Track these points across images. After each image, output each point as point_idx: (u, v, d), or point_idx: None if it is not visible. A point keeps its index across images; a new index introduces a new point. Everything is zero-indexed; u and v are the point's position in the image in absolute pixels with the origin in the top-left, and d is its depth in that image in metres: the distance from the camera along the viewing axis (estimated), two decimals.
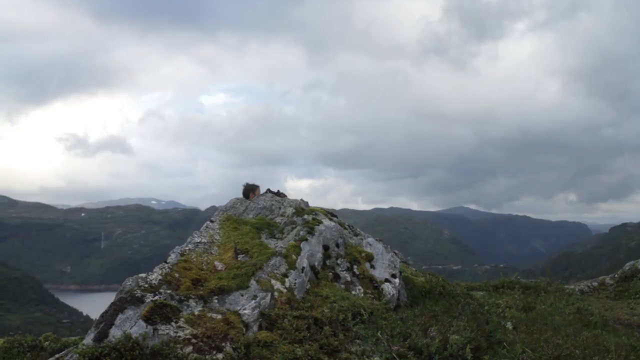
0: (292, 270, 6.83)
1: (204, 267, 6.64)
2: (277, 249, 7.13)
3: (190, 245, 6.91)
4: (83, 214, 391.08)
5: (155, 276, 6.19)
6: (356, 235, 8.88)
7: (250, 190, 11.51)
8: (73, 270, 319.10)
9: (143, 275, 6.23)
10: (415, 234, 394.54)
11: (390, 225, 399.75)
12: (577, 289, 16.80)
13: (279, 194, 8.82)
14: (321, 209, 8.92)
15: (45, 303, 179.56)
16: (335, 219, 8.76)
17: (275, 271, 6.73)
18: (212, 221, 7.60)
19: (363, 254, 8.14)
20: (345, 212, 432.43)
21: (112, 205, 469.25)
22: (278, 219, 8.10)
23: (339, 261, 7.75)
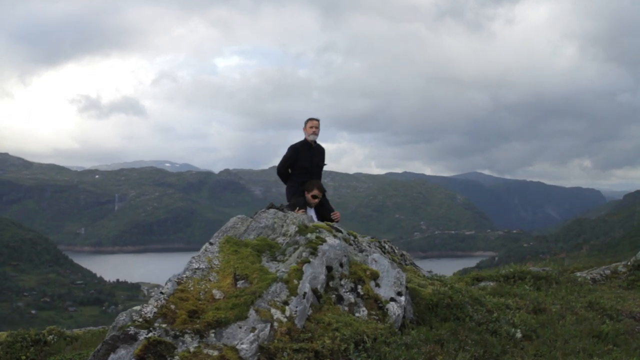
0: (293, 297, 6.56)
1: (202, 296, 6.37)
2: (278, 273, 6.84)
3: (187, 273, 6.63)
4: (97, 176, 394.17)
5: (150, 309, 5.95)
6: (361, 251, 8.58)
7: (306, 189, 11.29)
8: (87, 232, 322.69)
9: (137, 308, 5.99)
10: (428, 199, 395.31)
11: (403, 190, 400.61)
12: (589, 277, 16.55)
13: (282, 208, 8.52)
14: (325, 224, 8.62)
15: (59, 264, 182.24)
16: (340, 234, 8.45)
17: (276, 299, 6.46)
18: (211, 243, 7.30)
19: (368, 272, 7.86)
20: (359, 176, 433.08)
21: (125, 167, 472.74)
22: (280, 239, 7.76)
23: (342, 282, 7.47)
